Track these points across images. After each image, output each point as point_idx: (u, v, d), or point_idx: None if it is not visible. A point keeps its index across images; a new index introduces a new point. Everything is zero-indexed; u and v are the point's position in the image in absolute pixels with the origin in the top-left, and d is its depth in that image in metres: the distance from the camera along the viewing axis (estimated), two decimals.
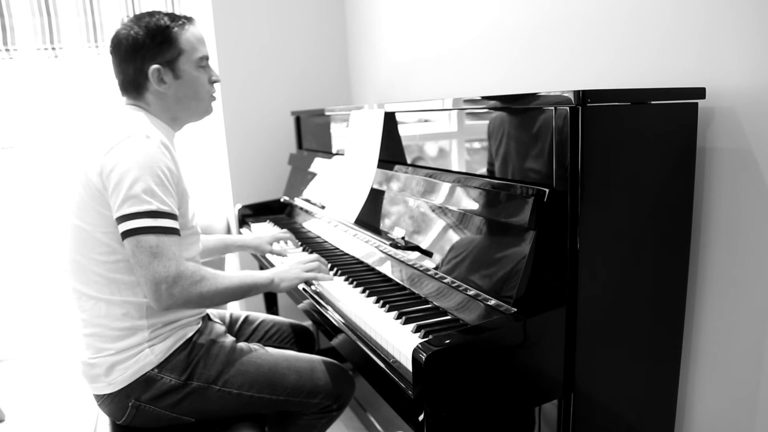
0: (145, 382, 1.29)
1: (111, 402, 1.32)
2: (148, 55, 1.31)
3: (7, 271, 2.94)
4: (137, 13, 1.37)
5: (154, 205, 1.19)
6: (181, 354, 1.33)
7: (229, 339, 1.42)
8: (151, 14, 1.34)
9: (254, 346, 1.45)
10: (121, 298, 1.28)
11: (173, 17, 1.35)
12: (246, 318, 1.69)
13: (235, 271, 1.35)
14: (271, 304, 2.47)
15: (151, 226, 1.18)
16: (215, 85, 1.45)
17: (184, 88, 1.36)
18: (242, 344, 1.43)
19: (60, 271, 1.34)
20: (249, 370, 1.38)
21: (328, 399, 1.45)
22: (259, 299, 2.53)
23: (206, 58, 1.40)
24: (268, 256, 1.84)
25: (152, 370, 1.29)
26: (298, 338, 1.72)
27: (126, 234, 1.18)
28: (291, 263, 1.51)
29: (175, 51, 1.33)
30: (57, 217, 2.75)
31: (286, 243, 1.85)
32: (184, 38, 1.34)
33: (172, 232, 1.21)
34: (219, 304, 1.31)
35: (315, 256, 1.55)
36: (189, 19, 1.37)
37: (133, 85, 1.35)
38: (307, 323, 1.80)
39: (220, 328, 1.45)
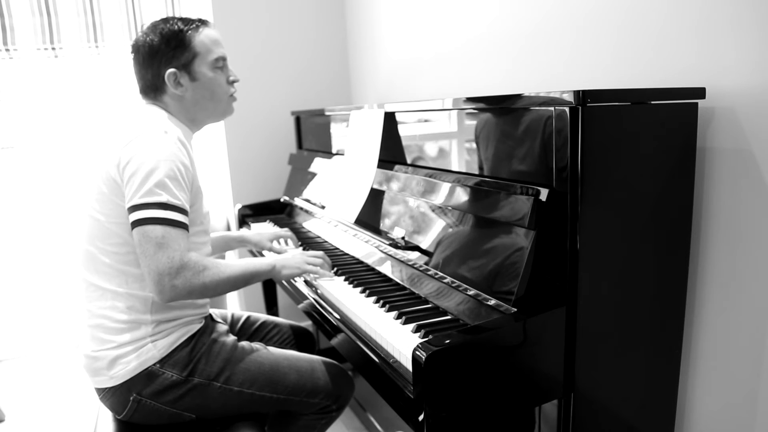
0: (146, 376, 1.30)
1: (112, 396, 1.32)
2: (164, 60, 1.35)
3: (7, 271, 2.94)
4: (154, 20, 1.41)
5: (164, 197, 1.21)
6: (184, 350, 1.33)
7: (231, 338, 1.43)
8: (165, 20, 1.38)
9: (256, 345, 1.46)
10: (128, 290, 1.29)
11: (186, 21, 1.38)
12: (247, 318, 1.70)
13: (236, 260, 1.35)
14: (271, 304, 2.47)
15: (158, 218, 1.20)
16: (236, 84, 1.47)
17: (201, 89, 1.39)
18: (244, 343, 1.44)
19: (73, 263, 1.36)
20: (250, 368, 1.38)
21: (327, 399, 1.46)
22: (260, 299, 2.53)
23: (223, 59, 1.42)
24: (264, 252, 1.84)
25: (154, 364, 1.30)
26: (299, 340, 1.73)
27: (134, 224, 1.21)
28: (294, 252, 1.52)
29: (190, 54, 1.36)
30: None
31: (286, 242, 1.85)
32: (198, 41, 1.37)
33: (180, 226, 1.22)
34: (222, 294, 1.32)
35: (321, 252, 1.55)
36: (204, 22, 1.41)
37: (152, 89, 1.39)
38: (307, 324, 1.80)
39: (223, 327, 1.46)
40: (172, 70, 1.35)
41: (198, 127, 1.47)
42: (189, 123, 1.43)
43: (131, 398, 1.31)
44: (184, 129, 1.40)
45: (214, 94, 1.41)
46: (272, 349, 1.47)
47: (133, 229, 1.21)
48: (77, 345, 1.37)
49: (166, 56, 1.35)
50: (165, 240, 1.19)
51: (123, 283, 1.30)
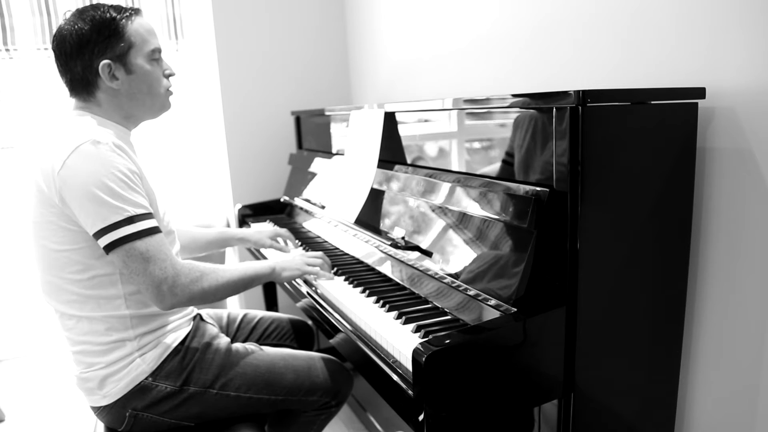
0: (140, 391, 1.28)
1: (108, 413, 1.31)
2: (96, 50, 1.23)
3: (7, 271, 2.94)
4: (80, 7, 1.28)
5: (129, 211, 1.16)
6: (175, 359, 1.32)
7: (224, 340, 1.42)
8: (95, 7, 1.26)
9: (250, 346, 1.45)
10: (102, 313, 1.25)
11: (119, 9, 1.27)
12: (244, 316, 1.69)
13: (235, 264, 1.35)
14: (271, 303, 2.47)
15: (133, 233, 1.15)
16: (171, 79, 1.38)
17: (138, 83, 1.29)
18: (238, 345, 1.43)
19: (37, 293, 1.32)
20: (246, 372, 1.37)
21: (326, 396, 1.46)
22: (259, 298, 2.53)
23: (159, 50, 1.32)
24: (264, 251, 1.83)
25: (146, 378, 1.28)
26: (298, 334, 1.72)
27: (110, 247, 1.15)
28: (294, 254, 1.51)
29: (125, 44, 1.25)
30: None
31: (285, 243, 1.85)
32: (133, 30, 1.26)
33: (156, 232, 1.19)
34: (223, 298, 1.30)
35: (320, 253, 1.55)
36: (136, 11, 1.30)
37: (82, 83, 1.27)
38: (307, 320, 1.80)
39: (213, 329, 1.44)
40: (106, 61, 1.23)
41: (134, 124, 1.36)
42: (124, 121, 1.32)
43: (127, 414, 1.29)
44: (118, 129, 1.29)
45: (151, 87, 1.31)
46: (268, 349, 1.47)
47: (109, 252, 1.16)
48: (67, 366, 1.34)
49: (99, 46, 1.23)
50: (149, 252, 1.16)
51: (96, 307, 1.25)
